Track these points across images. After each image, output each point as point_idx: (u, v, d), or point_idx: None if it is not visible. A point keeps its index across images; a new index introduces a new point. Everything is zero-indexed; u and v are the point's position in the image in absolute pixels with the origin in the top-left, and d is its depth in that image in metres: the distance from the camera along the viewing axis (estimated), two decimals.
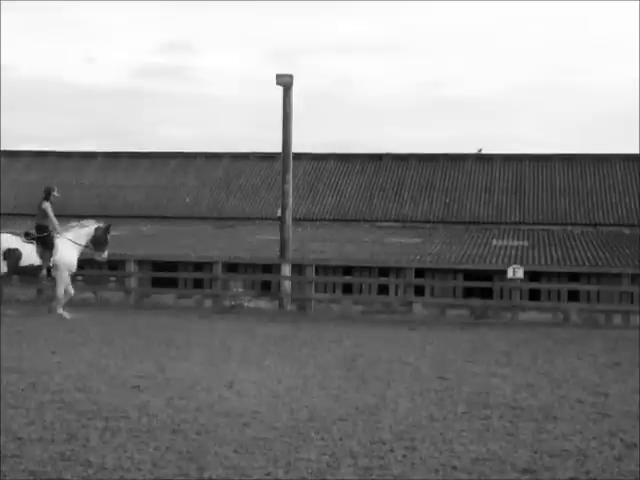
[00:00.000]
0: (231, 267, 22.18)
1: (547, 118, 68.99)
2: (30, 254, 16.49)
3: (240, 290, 21.32)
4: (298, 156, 25.63)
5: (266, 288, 21.90)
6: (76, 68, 75.57)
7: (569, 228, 26.76)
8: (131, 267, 22.24)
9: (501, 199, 28.74)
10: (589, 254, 22.68)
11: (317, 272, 21.43)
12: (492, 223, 27.44)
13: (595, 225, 26.93)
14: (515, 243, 24.14)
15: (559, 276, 21.22)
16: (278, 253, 21.21)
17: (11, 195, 30.60)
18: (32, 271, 16.80)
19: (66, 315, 16.39)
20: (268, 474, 5.78)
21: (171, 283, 22.64)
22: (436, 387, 9.36)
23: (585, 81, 69.12)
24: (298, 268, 21.10)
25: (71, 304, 17.13)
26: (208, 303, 21.06)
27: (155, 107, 73.29)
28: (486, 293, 21.28)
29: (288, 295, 20.96)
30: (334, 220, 28.45)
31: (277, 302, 20.81)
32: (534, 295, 20.97)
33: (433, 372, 10.51)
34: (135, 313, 18.30)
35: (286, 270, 20.85)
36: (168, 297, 21.54)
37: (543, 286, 20.92)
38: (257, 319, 17.80)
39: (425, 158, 31.07)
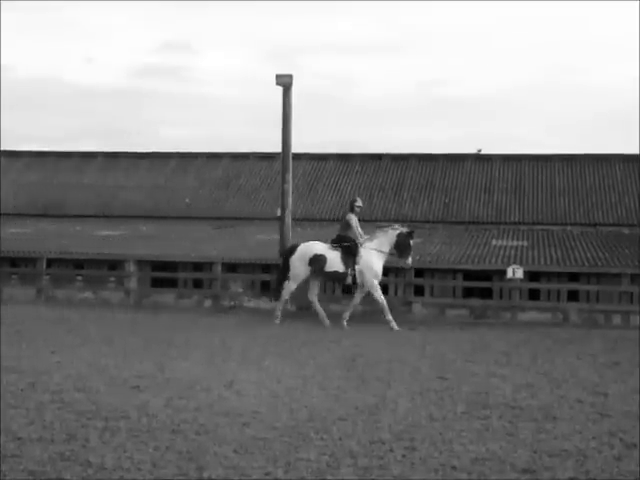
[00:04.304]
0: (231, 267, 22.16)
1: (547, 118, 68.98)
2: (334, 260, 17.14)
3: (240, 290, 21.30)
4: (298, 156, 25.60)
5: (266, 288, 21.86)
6: (75, 68, 75.58)
7: (568, 228, 26.74)
8: (131, 267, 22.23)
9: (501, 199, 28.74)
10: (589, 254, 22.66)
11: None
12: (492, 223, 27.42)
13: (594, 225, 26.91)
14: (515, 243, 24.12)
15: (559, 276, 21.20)
16: (278, 253, 21.18)
17: (11, 195, 30.59)
18: (337, 277, 17.49)
19: (395, 326, 16.73)
20: (268, 474, 5.78)
21: (171, 283, 22.64)
22: (436, 387, 9.37)
23: (585, 81, 69.10)
24: None
25: (71, 304, 17.12)
26: (208, 303, 21.06)
27: (155, 107, 73.24)
28: (486, 293, 21.27)
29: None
30: (334, 220, 28.42)
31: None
32: (534, 295, 20.96)
33: (433, 372, 10.51)
34: (135, 313, 18.29)
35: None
36: (168, 297, 21.52)
37: (543, 286, 20.90)
38: (257, 319, 17.79)
39: (425, 158, 31.05)
